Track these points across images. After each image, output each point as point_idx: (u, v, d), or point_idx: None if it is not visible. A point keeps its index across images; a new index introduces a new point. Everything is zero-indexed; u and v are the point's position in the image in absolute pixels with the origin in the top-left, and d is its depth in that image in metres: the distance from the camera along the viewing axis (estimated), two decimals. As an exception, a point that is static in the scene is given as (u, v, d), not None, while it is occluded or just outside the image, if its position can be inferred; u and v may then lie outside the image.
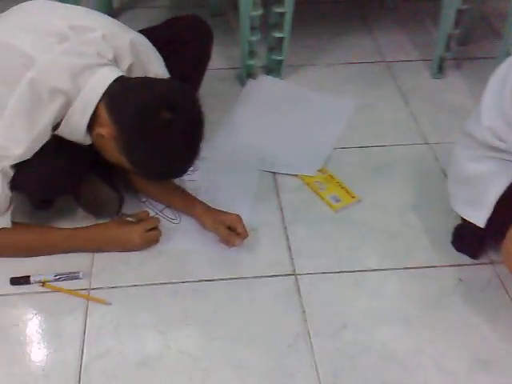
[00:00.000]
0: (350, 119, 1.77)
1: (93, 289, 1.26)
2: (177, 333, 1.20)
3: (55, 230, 1.32)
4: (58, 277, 1.25)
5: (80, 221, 1.38)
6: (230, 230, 1.32)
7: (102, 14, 1.29)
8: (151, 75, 1.27)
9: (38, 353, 1.16)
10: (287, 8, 1.68)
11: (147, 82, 1.17)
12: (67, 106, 1.16)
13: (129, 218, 1.31)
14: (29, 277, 1.25)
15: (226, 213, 1.36)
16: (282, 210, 1.48)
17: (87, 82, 1.15)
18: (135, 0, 2.28)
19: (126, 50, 1.24)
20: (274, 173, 1.57)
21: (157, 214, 1.42)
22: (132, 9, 2.22)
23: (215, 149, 1.63)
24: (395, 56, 2.06)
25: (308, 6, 2.19)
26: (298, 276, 1.32)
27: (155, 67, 1.31)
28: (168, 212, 1.43)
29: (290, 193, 1.53)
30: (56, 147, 1.18)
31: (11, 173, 1.16)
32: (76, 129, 1.18)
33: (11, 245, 1.27)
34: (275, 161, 1.60)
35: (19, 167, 1.16)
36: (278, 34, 1.77)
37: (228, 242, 1.33)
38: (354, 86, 1.91)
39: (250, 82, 1.87)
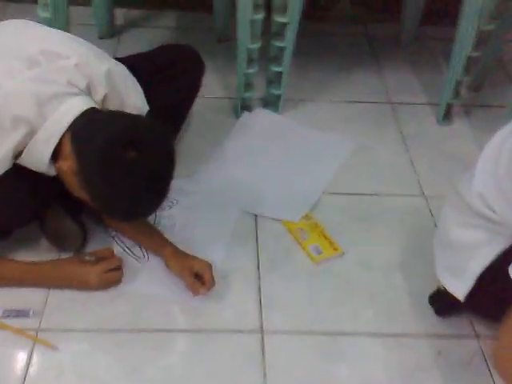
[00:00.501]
0: (345, 161, 1.68)
1: (42, 330, 1.18)
2: (123, 387, 1.12)
3: (10, 263, 1.25)
4: (6, 314, 1.17)
5: (43, 253, 1.31)
6: (198, 277, 1.24)
7: (80, 40, 1.22)
8: (128, 106, 1.21)
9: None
10: (287, 43, 1.60)
11: (114, 117, 1.10)
12: (31, 134, 1.09)
13: (87, 257, 1.23)
14: (-24, 311, 1.18)
15: (196, 258, 1.28)
16: (258, 256, 1.39)
17: (54, 112, 1.09)
18: (140, 18, 2.20)
19: (100, 80, 1.17)
20: (256, 215, 1.49)
21: (125, 250, 1.34)
22: (135, 27, 2.14)
23: (200, 182, 1.56)
24: (402, 98, 1.96)
25: (315, 37, 2.11)
26: (265, 334, 1.23)
27: (133, 98, 1.24)
28: (137, 250, 1.36)
29: (269, 238, 1.44)
30: (16, 177, 1.12)
31: (-35, 201, 1.10)
32: (38, 159, 1.11)
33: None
34: (259, 203, 1.51)
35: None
36: (276, 68, 1.68)
37: (192, 291, 1.24)
38: (355, 126, 1.81)
39: (245, 115, 1.79)
